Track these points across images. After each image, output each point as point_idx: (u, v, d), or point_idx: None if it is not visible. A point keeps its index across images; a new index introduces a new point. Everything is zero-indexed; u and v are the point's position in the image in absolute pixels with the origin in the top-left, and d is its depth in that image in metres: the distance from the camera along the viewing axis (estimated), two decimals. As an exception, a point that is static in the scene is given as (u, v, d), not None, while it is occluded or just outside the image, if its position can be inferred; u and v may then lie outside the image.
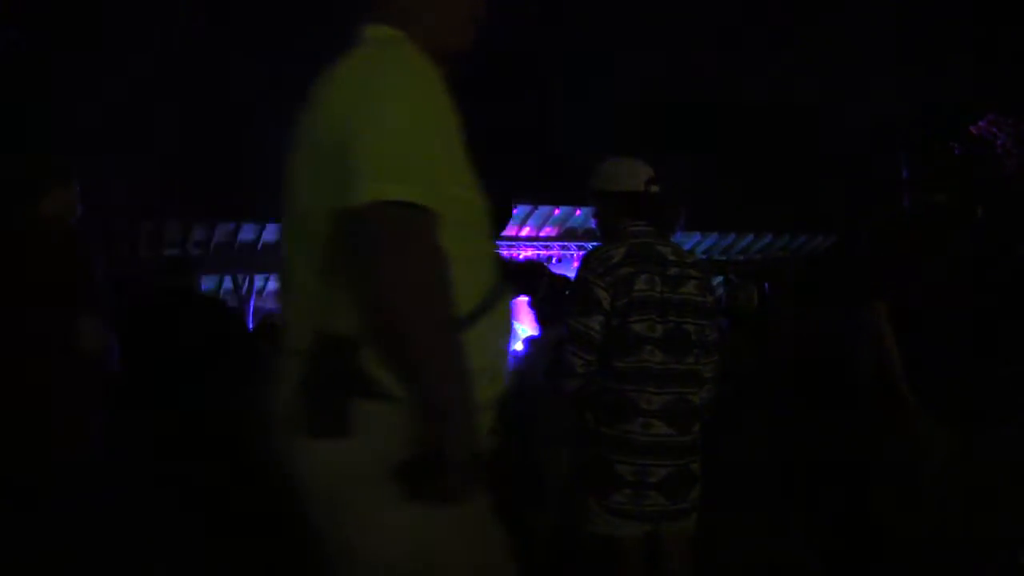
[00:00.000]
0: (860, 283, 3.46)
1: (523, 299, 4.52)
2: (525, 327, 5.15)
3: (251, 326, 15.81)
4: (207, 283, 19.21)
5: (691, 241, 21.22)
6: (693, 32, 18.29)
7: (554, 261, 19.31)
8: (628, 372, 3.06)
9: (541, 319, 4.72)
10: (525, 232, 21.02)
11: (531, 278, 3.62)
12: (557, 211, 20.41)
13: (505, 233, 20.73)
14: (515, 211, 19.83)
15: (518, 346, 5.75)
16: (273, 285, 21.44)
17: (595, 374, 3.10)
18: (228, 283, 20.16)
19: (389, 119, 1.54)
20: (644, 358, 3.05)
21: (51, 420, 3.03)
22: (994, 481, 3.21)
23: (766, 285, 5.04)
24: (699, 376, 3.16)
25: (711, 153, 18.46)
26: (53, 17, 13.86)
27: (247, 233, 19.11)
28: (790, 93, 17.97)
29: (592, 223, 15.64)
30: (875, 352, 3.40)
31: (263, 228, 19.04)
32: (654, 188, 3.25)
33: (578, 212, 20.37)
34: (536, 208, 20.10)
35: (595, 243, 3.41)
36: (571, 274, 3.83)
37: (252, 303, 19.81)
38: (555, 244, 20.40)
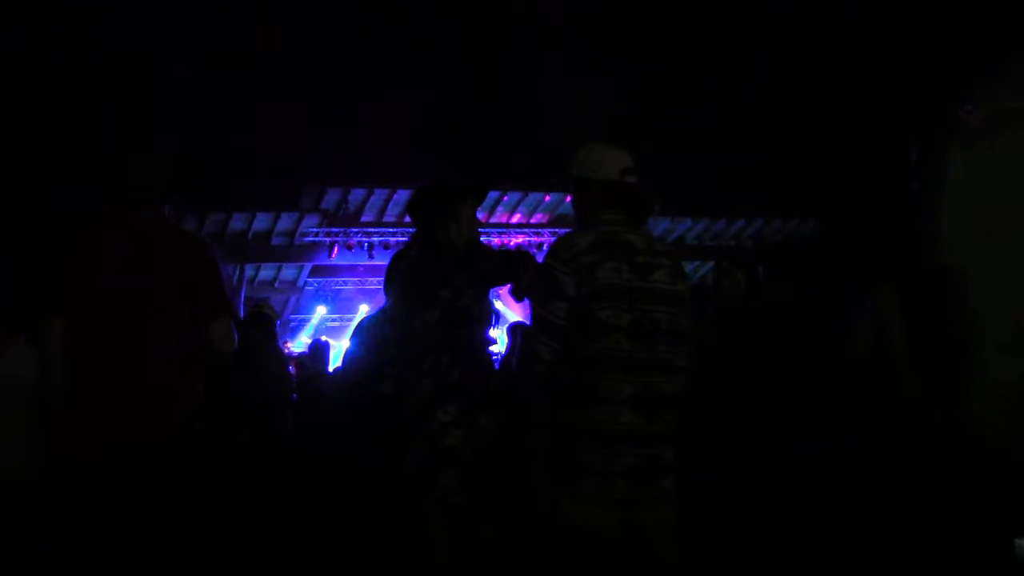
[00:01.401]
0: (866, 266, 3.45)
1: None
2: (512, 314, 5.15)
3: (242, 315, 15.78)
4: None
5: (681, 227, 21.26)
6: (684, 16, 18.28)
7: (544, 248, 19.29)
8: (594, 360, 3.06)
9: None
10: (516, 219, 21.03)
11: (516, 267, 3.61)
12: (548, 198, 20.42)
13: (495, 220, 20.75)
14: (505, 198, 19.88)
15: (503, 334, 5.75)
16: (264, 274, 21.44)
17: (562, 361, 3.10)
18: (219, 273, 20.12)
19: None
20: (610, 346, 3.04)
21: (174, 412, 3.11)
22: (993, 468, 3.21)
23: (760, 270, 5.00)
24: (671, 365, 3.14)
25: (703, 138, 18.45)
26: (48, 15, 13.79)
27: (238, 223, 19.09)
28: (784, 76, 17.98)
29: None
30: (877, 335, 3.39)
31: (253, 218, 19.03)
32: (629, 178, 3.22)
33: (569, 199, 20.32)
34: (527, 195, 20.10)
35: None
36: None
37: (243, 292, 19.79)
38: (546, 231, 20.41)
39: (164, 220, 3.33)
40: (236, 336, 3.29)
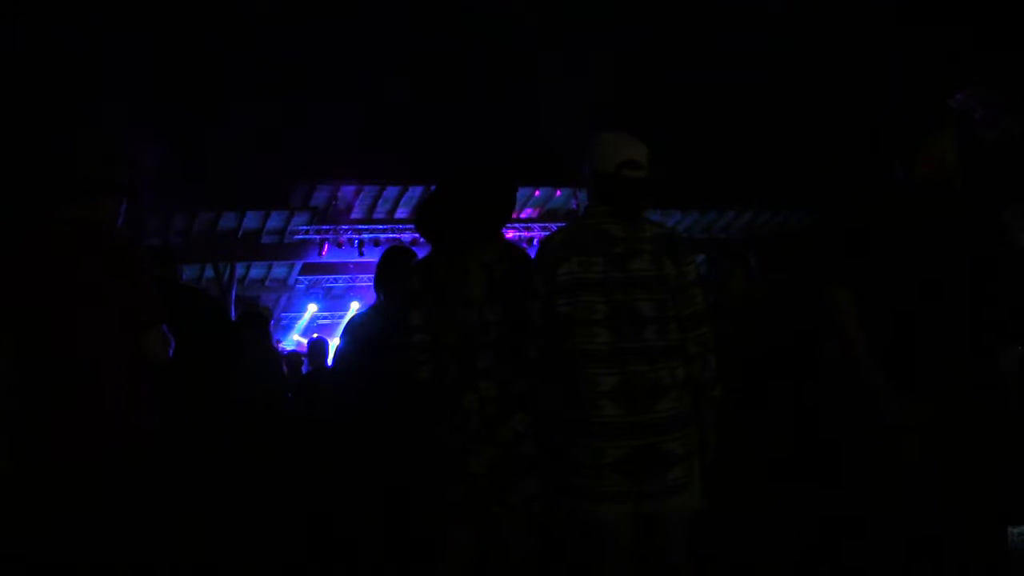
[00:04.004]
0: (820, 268, 3.36)
1: None
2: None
3: (233, 314, 15.76)
4: (188, 272, 19.16)
5: (671, 220, 21.28)
6: (671, 9, 18.30)
7: (535, 243, 19.30)
8: (570, 354, 3.05)
9: None
10: (506, 214, 20.99)
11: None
12: (537, 192, 20.42)
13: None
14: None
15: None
16: (255, 273, 21.40)
17: (548, 358, 3.11)
18: (209, 272, 20.11)
19: None
20: (583, 340, 3.03)
21: (114, 420, 3.02)
22: (977, 459, 3.17)
23: (752, 261, 4.98)
24: (668, 351, 3.07)
25: (691, 130, 18.48)
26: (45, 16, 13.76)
27: (228, 222, 19.05)
28: (771, 65, 18.02)
29: (572, 203, 15.55)
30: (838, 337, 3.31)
31: (243, 216, 18.99)
32: (627, 172, 3.14)
33: (558, 193, 20.35)
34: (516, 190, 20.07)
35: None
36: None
37: (234, 291, 19.76)
38: (536, 226, 20.41)
39: (101, 221, 3.18)
40: (172, 342, 3.19)
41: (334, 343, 6.87)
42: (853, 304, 3.23)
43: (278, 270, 21.65)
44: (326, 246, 19.73)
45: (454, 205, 3.44)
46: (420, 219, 3.58)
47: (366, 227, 19.72)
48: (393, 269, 4.29)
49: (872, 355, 3.19)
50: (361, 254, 19.44)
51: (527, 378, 3.28)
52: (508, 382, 3.25)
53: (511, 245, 3.58)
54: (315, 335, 9.86)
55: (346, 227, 19.64)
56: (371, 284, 4.60)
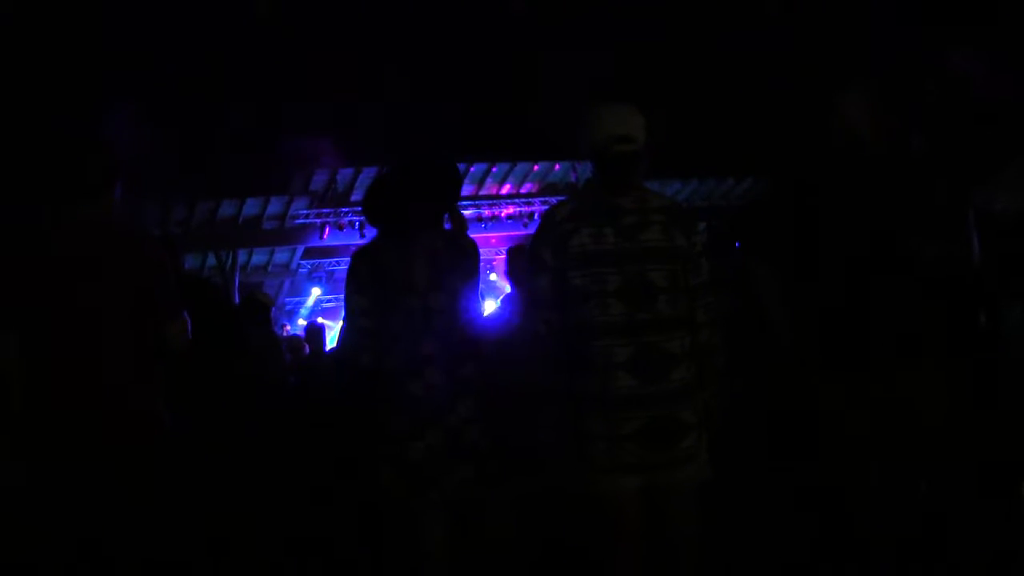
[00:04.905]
0: (750, 240, 3.38)
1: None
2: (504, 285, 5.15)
3: (237, 301, 15.80)
4: (190, 261, 19.17)
5: (670, 189, 21.23)
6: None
7: (536, 218, 19.28)
8: (583, 327, 3.07)
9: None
10: (506, 189, 21.00)
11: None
12: (536, 167, 20.38)
13: (485, 192, 20.73)
14: (494, 169, 19.84)
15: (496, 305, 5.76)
16: (257, 259, 21.41)
17: (559, 332, 3.13)
18: (212, 260, 20.13)
19: None
20: (597, 312, 3.04)
21: (131, 412, 3.05)
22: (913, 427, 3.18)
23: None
24: (679, 321, 3.10)
25: (687, 98, 18.38)
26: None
27: (227, 209, 19.04)
28: (766, 33, 17.91)
29: (572, 176, 15.44)
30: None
31: (243, 203, 18.98)
32: (616, 147, 3.10)
33: (557, 167, 20.31)
34: (515, 165, 20.05)
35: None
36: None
37: (236, 278, 19.77)
38: (536, 200, 20.39)
39: (111, 217, 3.19)
40: (190, 326, 3.24)
41: (339, 325, 6.91)
42: (775, 278, 3.27)
43: (280, 255, 21.66)
44: (327, 229, 19.71)
45: (397, 191, 3.51)
46: (364, 204, 3.63)
47: (366, 208, 19.67)
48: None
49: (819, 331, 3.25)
50: (363, 236, 19.39)
51: (474, 363, 3.36)
52: (454, 368, 3.31)
53: (459, 234, 3.63)
54: (319, 319, 9.90)
55: (346, 209, 19.62)
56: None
